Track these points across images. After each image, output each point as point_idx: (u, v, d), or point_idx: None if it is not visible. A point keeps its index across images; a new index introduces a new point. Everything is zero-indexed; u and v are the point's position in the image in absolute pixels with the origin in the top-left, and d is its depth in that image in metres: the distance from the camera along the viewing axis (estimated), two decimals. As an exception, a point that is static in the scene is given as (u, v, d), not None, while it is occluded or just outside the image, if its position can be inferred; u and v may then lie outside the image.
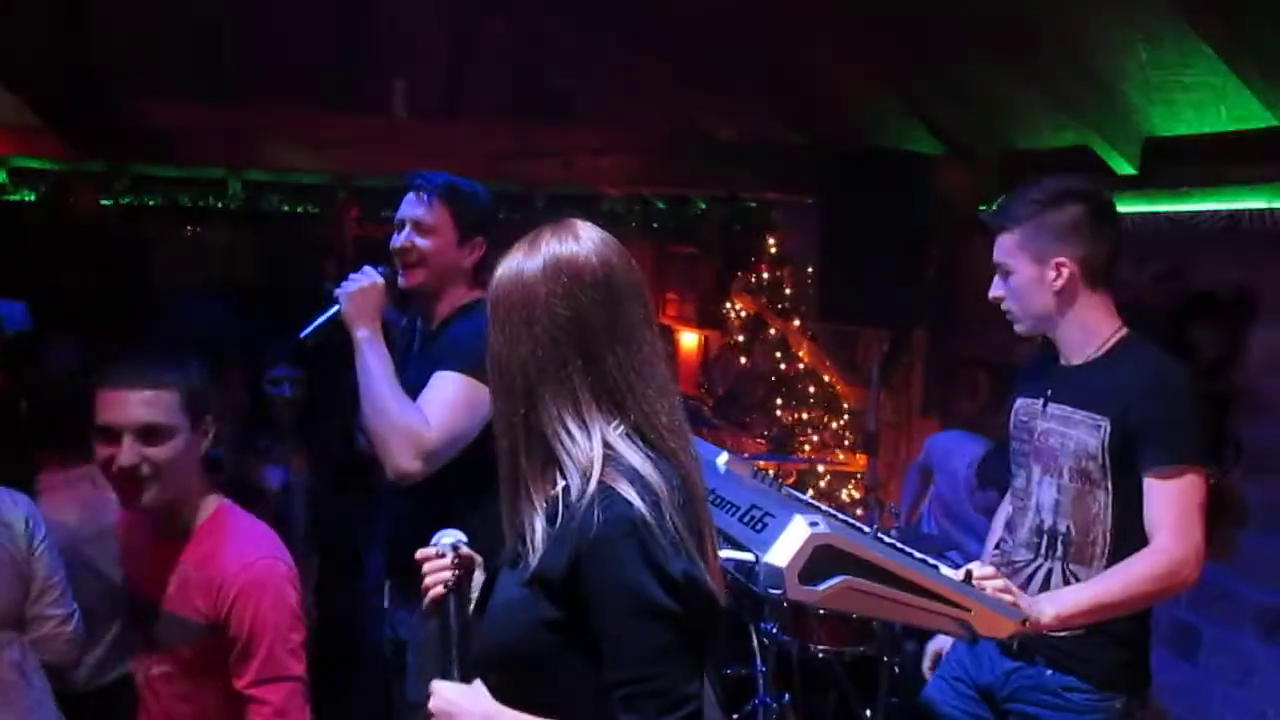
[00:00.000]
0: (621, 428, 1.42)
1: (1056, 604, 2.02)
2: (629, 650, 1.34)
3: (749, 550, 1.74)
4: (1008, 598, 1.94)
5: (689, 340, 7.58)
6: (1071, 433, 2.19)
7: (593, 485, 1.36)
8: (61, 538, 2.34)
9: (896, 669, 3.58)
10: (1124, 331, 2.23)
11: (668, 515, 1.35)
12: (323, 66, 4.69)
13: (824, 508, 2.21)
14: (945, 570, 1.96)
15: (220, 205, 6.46)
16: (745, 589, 1.96)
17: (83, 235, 5.71)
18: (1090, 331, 2.22)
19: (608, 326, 1.43)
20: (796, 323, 5.34)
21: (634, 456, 1.39)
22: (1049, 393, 2.27)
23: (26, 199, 5.93)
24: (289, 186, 6.46)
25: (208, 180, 6.25)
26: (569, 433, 1.40)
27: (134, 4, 4.62)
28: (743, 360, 5.39)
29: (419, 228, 2.50)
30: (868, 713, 3.62)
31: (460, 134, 4.51)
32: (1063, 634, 2.10)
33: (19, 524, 2.19)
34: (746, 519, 1.78)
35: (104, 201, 6.06)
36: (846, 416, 5.18)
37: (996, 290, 2.28)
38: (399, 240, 2.51)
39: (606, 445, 1.39)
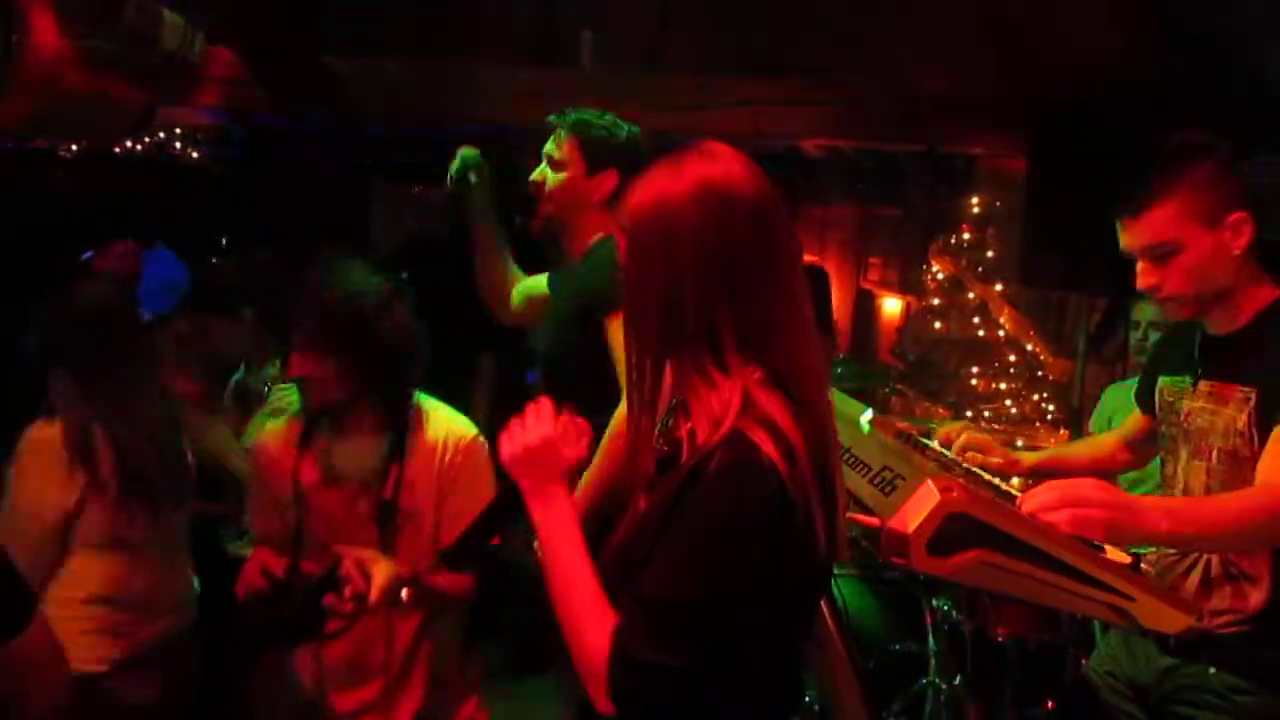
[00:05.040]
0: (762, 373, 1.30)
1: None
2: (676, 574, 1.25)
3: (875, 514, 1.60)
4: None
5: (891, 307, 7.26)
6: (1222, 409, 1.93)
7: (723, 430, 1.26)
8: None
9: (1084, 662, 3.32)
10: (1278, 294, 1.95)
11: (801, 468, 1.25)
12: (522, 19, 4.75)
13: (976, 472, 2.04)
14: (1111, 552, 1.76)
15: (434, 163, 6.72)
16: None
17: (303, 191, 6.05)
18: (1247, 297, 1.95)
19: (760, 259, 1.30)
20: (998, 287, 5.02)
21: (772, 406, 1.27)
22: (1198, 369, 2.01)
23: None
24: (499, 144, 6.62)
25: (423, 138, 6.50)
26: (707, 377, 1.30)
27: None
28: (937, 325, 5.12)
29: (550, 162, 2.56)
30: (1050, 704, 3.38)
31: (650, 85, 4.45)
32: (1231, 630, 1.88)
33: None
34: (876, 480, 1.64)
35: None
36: (1049, 390, 4.84)
37: (1150, 278, 1.95)
38: (533, 176, 2.60)
39: (745, 392, 1.28)
